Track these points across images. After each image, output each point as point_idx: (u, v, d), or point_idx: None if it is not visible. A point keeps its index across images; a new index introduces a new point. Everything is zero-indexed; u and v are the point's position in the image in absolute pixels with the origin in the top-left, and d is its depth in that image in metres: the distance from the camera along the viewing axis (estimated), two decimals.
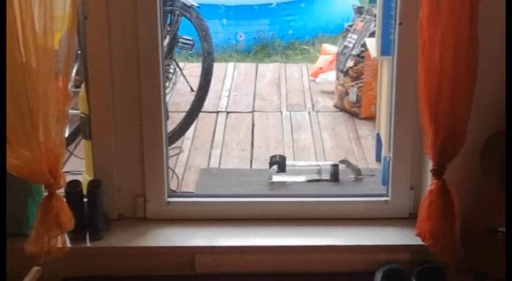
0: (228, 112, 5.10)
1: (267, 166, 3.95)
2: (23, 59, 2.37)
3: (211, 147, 4.48)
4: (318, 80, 5.65)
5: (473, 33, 2.49)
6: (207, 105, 4.62)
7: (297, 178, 3.88)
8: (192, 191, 3.78)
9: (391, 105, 2.96)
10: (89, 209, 2.85)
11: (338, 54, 5.15)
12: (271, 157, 3.97)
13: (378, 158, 4.02)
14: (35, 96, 2.42)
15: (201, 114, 4.56)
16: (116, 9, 2.77)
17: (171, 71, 4.56)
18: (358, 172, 3.90)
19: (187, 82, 5.19)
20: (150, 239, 2.89)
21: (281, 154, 4.11)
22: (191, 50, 4.97)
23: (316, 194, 3.50)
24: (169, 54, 4.45)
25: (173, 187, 3.45)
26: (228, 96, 5.42)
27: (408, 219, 2.97)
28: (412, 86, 2.72)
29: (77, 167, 3.47)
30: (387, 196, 3.02)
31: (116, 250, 2.85)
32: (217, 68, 4.95)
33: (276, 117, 5.03)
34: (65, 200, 2.65)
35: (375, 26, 4.60)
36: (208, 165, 4.23)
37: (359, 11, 5.06)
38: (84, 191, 2.86)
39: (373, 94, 4.63)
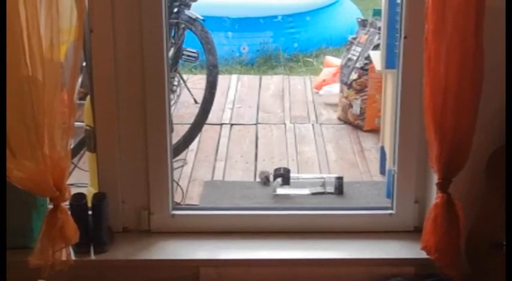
0: (231, 124, 5.10)
1: (271, 179, 3.94)
2: (29, 72, 2.37)
3: (215, 159, 4.48)
4: (321, 92, 5.65)
5: (478, 47, 2.49)
6: (211, 117, 4.62)
7: (301, 190, 3.87)
8: (197, 204, 3.77)
9: (395, 118, 2.96)
10: (94, 222, 2.84)
11: (342, 67, 5.16)
12: (276, 170, 3.97)
13: (382, 171, 4.02)
14: (41, 109, 2.41)
15: (204, 127, 4.56)
16: (121, 22, 2.78)
17: (175, 83, 4.57)
18: None
19: (191, 94, 5.19)
20: (155, 252, 2.89)
21: (285, 166, 4.10)
22: (195, 63, 4.97)
23: (321, 207, 3.49)
24: (174, 66, 4.46)
25: (177, 199, 3.45)
26: (232, 109, 5.42)
27: (413, 232, 2.96)
28: (417, 99, 2.72)
29: (81, 179, 3.47)
30: (392, 209, 3.00)
31: (120, 262, 2.84)
32: (221, 80, 4.94)
33: (280, 130, 5.03)
34: (69, 212, 2.65)
35: (378, 38, 4.62)
36: (212, 177, 4.22)
37: (363, 23, 5.07)
38: (89, 204, 2.86)
39: (376, 107, 4.64)
